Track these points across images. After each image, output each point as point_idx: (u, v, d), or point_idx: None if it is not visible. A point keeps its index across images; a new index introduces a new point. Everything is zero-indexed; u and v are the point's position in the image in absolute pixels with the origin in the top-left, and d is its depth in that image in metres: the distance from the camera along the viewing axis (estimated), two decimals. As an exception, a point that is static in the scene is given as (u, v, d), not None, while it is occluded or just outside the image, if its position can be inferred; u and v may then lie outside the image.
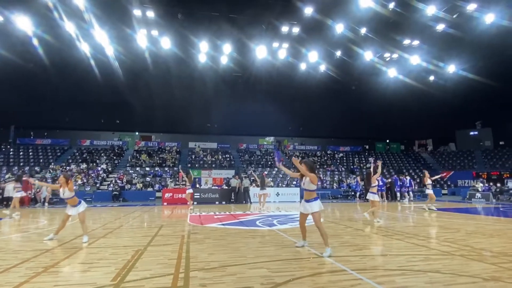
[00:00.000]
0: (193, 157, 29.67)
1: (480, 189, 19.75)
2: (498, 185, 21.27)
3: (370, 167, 11.65)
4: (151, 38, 23.75)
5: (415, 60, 26.77)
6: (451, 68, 28.22)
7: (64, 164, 25.43)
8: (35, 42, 22.72)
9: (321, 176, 27.42)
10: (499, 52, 24.75)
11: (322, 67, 28.56)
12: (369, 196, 9.64)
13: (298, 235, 7.07)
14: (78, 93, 27.92)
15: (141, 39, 23.54)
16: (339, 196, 23.16)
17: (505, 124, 32.04)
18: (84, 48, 24.04)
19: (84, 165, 25.35)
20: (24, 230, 8.52)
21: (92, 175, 23.84)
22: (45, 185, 5.71)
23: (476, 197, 18.93)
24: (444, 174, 28.28)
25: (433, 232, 7.56)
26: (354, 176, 26.54)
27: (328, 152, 34.17)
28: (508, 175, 25.83)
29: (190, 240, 6.57)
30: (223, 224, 9.15)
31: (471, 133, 35.29)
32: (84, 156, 27.63)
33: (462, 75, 28.38)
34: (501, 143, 32.88)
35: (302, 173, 5.55)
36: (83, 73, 26.05)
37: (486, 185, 20.78)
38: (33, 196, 17.92)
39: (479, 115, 33.89)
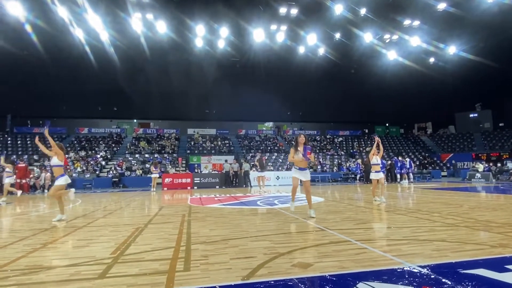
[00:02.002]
0: (192, 143, 29.53)
1: (480, 170, 19.75)
2: (499, 165, 21.27)
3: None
4: (146, 22, 23.24)
5: (415, 41, 26.37)
6: (452, 49, 27.86)
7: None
8: (28, 28, 22.20)
9: (321, 160, 27.38)
10: (500, 31, 24.38)
11: (321, 50, 28.14)
12: (372, 176, 9.15)
13: (300, 213, 7.03)
14: (74, 81, 27.51)
15: (136, 23, 23.04)
16: (339, 179, 23.18)
17: (504, 105, 31.91)
18: (78, 34, 23.54)
19: (83, 153, 25.21)
20: (23, 213, 8.43)
21: (91, 162, 23.74)
22: (40, 146, 5.56)
23: (476, 177, 18.95)
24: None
25: (436, 207, 7.50)
26: (354, 159, 26.53)
27: (328, 136, 34.05)
28: (508, 156, 25.85)
29: (191, 218, 6.50)
30: (223, 205, 9.10)
31: (471, 115, 35.15)
32: (83, 144, 27.44)
33: (462, 56, 28.06)
34: (500, 124, 32.80)
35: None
36: (78, 60, 25.61)
37: (486, 165, 20.79)
38: (32, 183, 17.85)
39: (478, 97, 33.67)
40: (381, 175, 9.13)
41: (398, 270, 2.95)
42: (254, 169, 18.95)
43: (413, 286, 2.54)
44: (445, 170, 27.62)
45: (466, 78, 29.24)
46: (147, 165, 23.80)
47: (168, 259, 3.49)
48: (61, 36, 23.30)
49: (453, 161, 28.46)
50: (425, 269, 2.92)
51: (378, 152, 9.26)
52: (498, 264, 3.02)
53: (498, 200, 8.92)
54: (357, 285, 2.58)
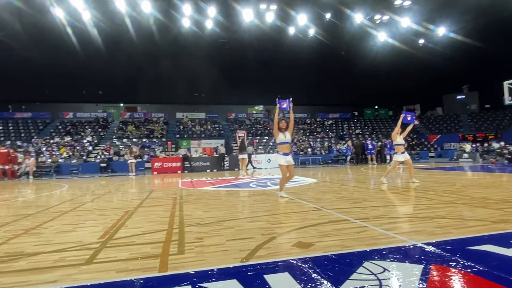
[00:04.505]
0: (181, 127, 29.03)
1: (467, 150, 20.07)
2: (486, 145, 21.66)
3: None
4: (130, 1, 22.17)
5: (405, 22, 26.07)
6: (441, 31, 27.71)
7: (47, 137, 24.48)
8: (4, 8, 20.91)
9: (311, 143, 27.39)
10: (489, 12, 24.25)
11: (311, 31, 27.58)
12: (396, 158, 8.50)
13: (293, 193, 6.92)
14: (56, 63, 26.35)
15: (120, 2, 21.97)
16: (329, 161, 23.27)
17: (491, 87, 32.24)
18: (59, 14, 22.35)
19: (68, 138, 24.48)
20: (5, 200, 8.07)
21: (78, 147, 23.10)
22: None
23: (463, 157, 19.26)
24: None
25: (429, 186, 7.48)
26: (344, 142, 26.62)
27: (318, 119, 33.98)
28: (493, 137, 26.34)
29: (183, 201, 6.30)
30: (216, 187, 8.92)
31: (458, 97, 35.51)
32: (68, 129, 26.63)
33: (451, 37, 27.98)
34: (486, 106, 33.27)
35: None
36: (59, 42, 24.40)
37: (473, 146, 21.14)
38: (17, 169, 17.27)
39: (466, 79, 33.92)
40: (408, 156, 8.43)
41: (403, 248, 2.83)
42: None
43: (421, 264, 2.41)
44: (432, 151, 28.03)
45: (454, 60, 29.27)
46: (134, 149, 23.32)
47: (160, 242, 3.29)
48: (39, 16, 22.07)
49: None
50: (431, 246, 2.81)
51: (402, 131, 8.51)
52: (504, 240, 2.93)
53: (488, 178, 9.00)
54: (363, 264, 2.44)
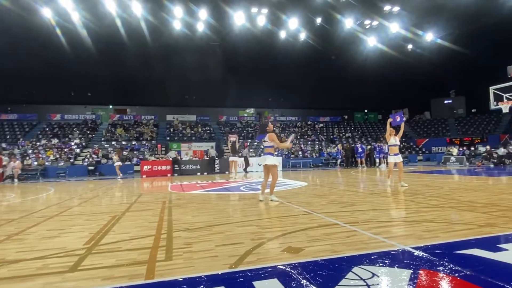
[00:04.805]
0: (172, 130, 28.80)
1: (454, 154, 20.45)
2: (472, 149, 22.10)
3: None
4: (121, 3, 21.98)
5: (394, 27, 26.53)
6: (429, 36, 28.29)
7: (34, 139, 23.95)
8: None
9: (302, 146, 27.50)
10: (475, 19, 24.88)
11: (302, 36, 27.81)
12: (389, 159, 8.61)
13: (284, 197, 6.91)
14: (44, 64, 25.92)
15: (110, 4, 21.75)
16: (320, 164, 23.39)
17: (477, 92, 33.00)
18: (47, 14, 22.01)
19: (55, 140, 24.01)
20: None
21: (65, 150, 22.66)
22: None
23: (450, 160, 19.60)
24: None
25: (418, 189, 7.57)
26: (334, 145, 26.81)
27: (309, 123, 34.17)
28: (479, 140, 26.92)
29: (172, 205, 6.22)
30: (206, 191, 8.84)
31: (445, 101, 36.23)
32: (55, 131, 26.11)
33: (439, 43, 28.60)
34: (473, 110, 34.01)
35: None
36: (47, 43, 24.04)
37: (460, 149, 21.54)
38: (2, 172, 16.83)
39: (453, 84, 34.66)
40: (400, 159, 8.41)
41: (392, 252, 2.84)
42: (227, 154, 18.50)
43: (410, 269, 2.42)
44: (420, 154, 28.47)
45: (442, 65, 29.92)
46: (125, 153, 23.05)
47: (148, 248, 3.23)
48: (28, 17, 21.69)
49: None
50: (419, 251, 2.83)
51: (397, 133, 8.52)
52: (490, 244, 2.97)
53: (475, 181, 9.16)
54: (353, 270, 2.44)
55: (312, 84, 32.66)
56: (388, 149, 9.09)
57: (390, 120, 8.68)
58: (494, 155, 18.52)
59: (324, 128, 33.44)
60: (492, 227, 3.60)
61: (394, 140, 8.46)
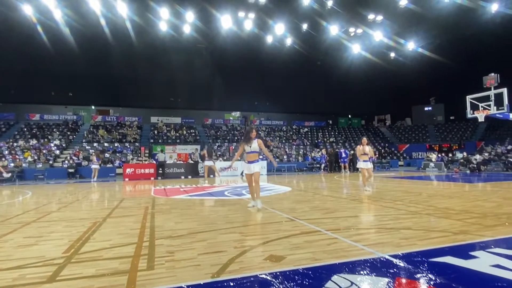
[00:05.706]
0: (156, 132, 28.43)
1: (433, 159, 21.10)
2: (450, 155, 22.85)
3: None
4: (105, 1, 21.62)
5: (378, 36, 27.22)
6: (411, 45, 29.17)
7: (10, 140, 23.12)
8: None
9: (287, 150, 27.71)
10: (454, 29, 25.86)
11: (289, 41, 28.14)
12: (359, 165, 8.93)
13: (268, 202, 6.96)
14: (23, 62, 25.13)
15: (93, 2, 21.36)
16: (304, 168, 23.63)
17: (455, 100, 34.20)
18: (28, 11, 21.40)
19: (34, 141, 23.25)
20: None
21: (44, 151, 21.98)
22: None
23: (430, 166, 20.21)
24: None
25: (398, 196, 7.79)
26: (319, 150, 27.15)
27: (294, 127, 34.49)
28: (457, 147, 27.88)
29: (155, 211, 6.16)
30: (190, 196, 8.79)
31: (426, 108, 37.36)
32: (34, 131, 25.29)
33: (420, 52, 29.53)
34: (451, 117, 35.20)
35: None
36: (28, 40, 23.33)
37: (439, 155, 22.24)
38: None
39: (433, 92, 35.80)
40: (369, 166, 8.81)
41: (371, 260, 2.93)
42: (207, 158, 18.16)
43: (387, 277, 2.51)
44: (402, 159, 29.20)
45: (422, 73, 30.90)
46: (107, 155, 22.58)
47: (129, 257, 3.20)
48: (8, 12, 21.03)
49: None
50: (396, 259, 2.93)
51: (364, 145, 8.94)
52: (462, 251, 3.11)
53: (452, 188, 9.50)
54: (332, 278, 2.50)
55: (298, 89, 33.06)
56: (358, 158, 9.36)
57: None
58: (474, 161, 19.23)
59: (309, 133, 33.82)
60: (465, 235, 3.76)
61: (362, 149, 8.90)
